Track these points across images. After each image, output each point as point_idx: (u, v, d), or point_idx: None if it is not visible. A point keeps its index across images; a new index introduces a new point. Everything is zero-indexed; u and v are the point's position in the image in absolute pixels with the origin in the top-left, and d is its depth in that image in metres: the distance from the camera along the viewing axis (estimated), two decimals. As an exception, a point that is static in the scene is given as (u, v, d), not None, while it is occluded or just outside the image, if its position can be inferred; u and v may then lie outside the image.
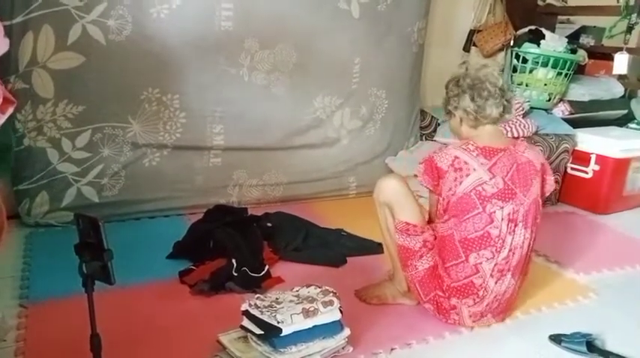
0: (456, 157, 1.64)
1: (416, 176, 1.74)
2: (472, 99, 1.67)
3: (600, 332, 1.70)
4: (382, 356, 1.57)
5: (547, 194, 1.77)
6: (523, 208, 1.64)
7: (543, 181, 1.74)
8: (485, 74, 1.70)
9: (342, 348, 1.55)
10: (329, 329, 1.50)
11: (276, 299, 1.52)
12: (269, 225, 2.38)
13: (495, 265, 1.64)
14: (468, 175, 1.61)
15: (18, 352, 1.51)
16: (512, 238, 1.63)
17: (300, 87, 2.74)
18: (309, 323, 1.44)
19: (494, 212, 1.61)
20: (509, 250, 1.64)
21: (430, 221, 1.78)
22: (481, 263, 1.63)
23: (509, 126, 2.78)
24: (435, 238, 1.71)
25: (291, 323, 1.41)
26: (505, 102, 1.69)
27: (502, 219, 1.61)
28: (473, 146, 1.65)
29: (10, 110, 1.40)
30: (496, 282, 1.65)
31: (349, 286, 1.88)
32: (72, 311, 1.37)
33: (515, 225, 1.63)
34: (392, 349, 1.60)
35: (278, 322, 1.40)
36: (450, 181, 1.63)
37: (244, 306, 1.49)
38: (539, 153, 1.77)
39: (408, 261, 1.72)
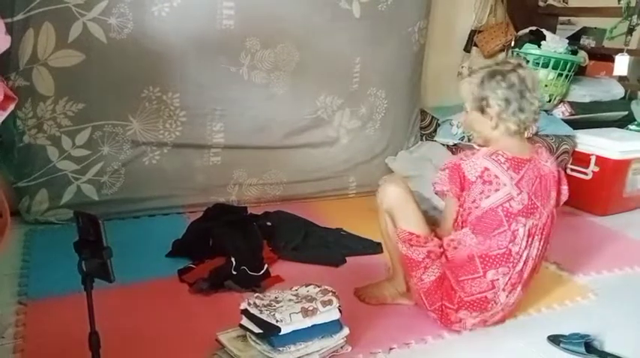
0: (486, 169, 1.54)
1: (435, 184, 1.63)
2: (521, 95, 1.55)
3: (599, 333, 1.70)
4: (381, 356, 1.57)
5: (561, 204, 1.73)
6: (541, 222, 1.62)
7: (559, 191, 1.70)
8: (534, 80, 1.59)
9: (341, 348, 1.55)
10: (328, 329, 1.50)
11: (276, 298, 1.52)
12: (268, 224, 2.38)
13: (509, 279, 1.61)
14: (497, 190, 1.54)
15: (16, 349, 1.51)
16: (529, 252, 1.61)
17: (302, 86, 2.74)
18: (308, 322, 1.44)
19: (518, 229, 1.57)
20: (524, 263, 1.62)
21: (438, 231, 1.69)
22: (498, 279, 1.60)
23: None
24: (441, 248, 1.63)
25: (290, 322, 1.41)
26: (537, 118, 1.64)
27: (523, 236, 1.58)
28: (503, 157, 1.56)
29: (11, 107, 1.40)
30: (507, 296, 1.64)
31: (348, 285, 1.88)
32: (71, 309, 1.37)
33: (533, 239, 1.61)
34: (390, 349, 1.60)
35: (277, 321, 1.40)
36: (475, 193, 1.55)
37: (243, 305, 1.49)
38: (554, 161, 1.72)
39: (412, 272, 1.67)
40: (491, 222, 1.55)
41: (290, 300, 1.50)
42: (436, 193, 1.67)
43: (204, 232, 2.17)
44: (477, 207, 1.55)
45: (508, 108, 1.55)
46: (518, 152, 1.59)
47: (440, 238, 1.66)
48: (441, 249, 1.64)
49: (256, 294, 1.56)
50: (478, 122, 1.63)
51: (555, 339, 1.67)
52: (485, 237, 1.56)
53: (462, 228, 1.60)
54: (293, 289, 1.58)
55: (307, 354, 1.46)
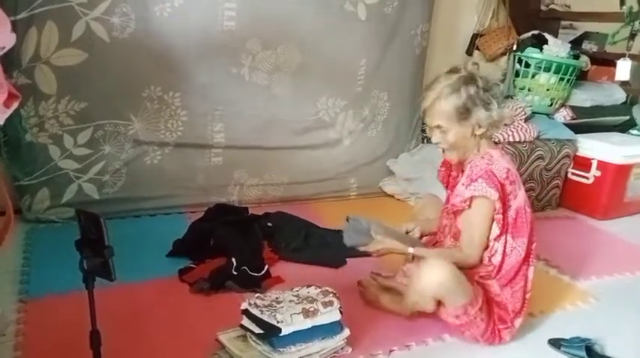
0: (509, 169, 1.54)
1: (471, 199, 1.50)
2: (497, 104, 1.53)
3: (599, 337, 1.70)
4: (381, 357, 1.57)
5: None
6: None
7: None
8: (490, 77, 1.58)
9: (342, 349, 1.55)
10: (328, 330, 1.50)
11: (276, 298, 1.52)
12: (269, 224, 2.38)
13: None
14: (520, 188, 1.57)
15: (17, 347, 1.51)
16: None
17: (303, 88, 2.74)
18: (308, 323, 1.44)
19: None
20: None
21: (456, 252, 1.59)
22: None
23: (510, 131, 2.78)
24: (485, 290, 1.58)
25: (290, 323, 1.40)
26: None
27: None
28: (507, 156, 1.59)
29: (15, 105, 1.40)
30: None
31: (349, 287, 1.88)
32: (72, 307, 1.37)
33: None
34: (391, 350, 1.60)
35: (278, 322, 1.39)
36: (505, 195, 1.52)
37: (244, 305, 1.49)
38: None
39: (464, 330, 1.61)
40: (523, 221, 1.56)
41: (291, 301, 1.50)
42: (457, 211, 1.56)
43: (205, 232, 2.17)
44: (509, 208, 1.53)
45: (491, 110, 1.52)
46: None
47: (461, 267, 1.54)
48: (483, 282, 1.58)
49: (257, 295, 1.56)
50: (466, 135, 1.54)
51: (556, 343, 1.67)
52: (524, 236, 1.57)
53: (500, 236, 1.54)
54: (294, 290, 1.58)
55: (308, 355, 1.46)
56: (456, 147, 1.57)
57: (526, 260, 1.59)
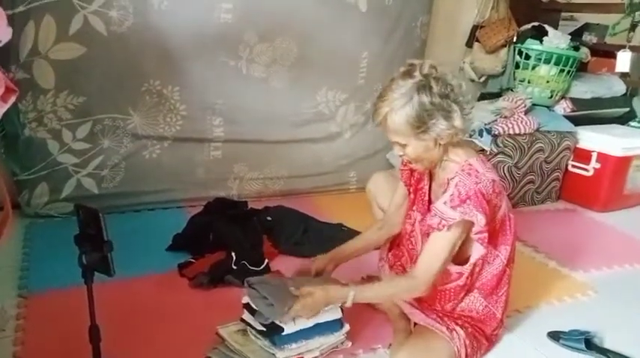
0: (494, 181, 1.39)
1: (461, 218, 1.34)
2: (461, 108, 1.34)
3: (598, 329, 1.70)
4: (381, 352, 1.57)
5: None
6: None
7: None
8: (448, 76, 1.36)
9: (341, 343, 1.55)
10: (329, 327, 1.49)
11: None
12: (269, 218, 2.37)
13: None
14: (503, 195, 1.47)
15: (17, 342, 1.52)
16: None
17: (301, 81, 2.73)
18: (310, 322, 1.44)
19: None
20: None
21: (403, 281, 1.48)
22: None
23: (510, 123, 2.77)
24: (466, 322, 1.51)
25: (293, 323, 1.41)
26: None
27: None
28: (488, 163, 1.46)
29: (12, 99, 1.40)
30: None
31: (348, 281, 1.87)
32: (71, 302, 1.37)
33: None
34: (390, 344, 1.59)
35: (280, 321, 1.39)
36: (490, 210, 1.40)
37: (245, 299, 1.49)
38: None
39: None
40: (506, 228, 1.51)
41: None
42: (439, 228, 1.37)
43: (205, 226, 2.17)
44: (493, 222, 1.45)
45: (464, 114, 1.34)
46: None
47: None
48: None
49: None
50: (428, 148, 1.37)
51: (555, 335, 1.67)
52: (506, 243, 1.51)
53: (486, 248, 1.44)
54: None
55: (308, 350, 1.46)
56: (420, 160, 1.42)
57: (508, 264, 1.54)
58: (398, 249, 1.69)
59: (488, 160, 2.66)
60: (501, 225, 1.49)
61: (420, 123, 1.32)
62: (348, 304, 1.41)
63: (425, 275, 1.39)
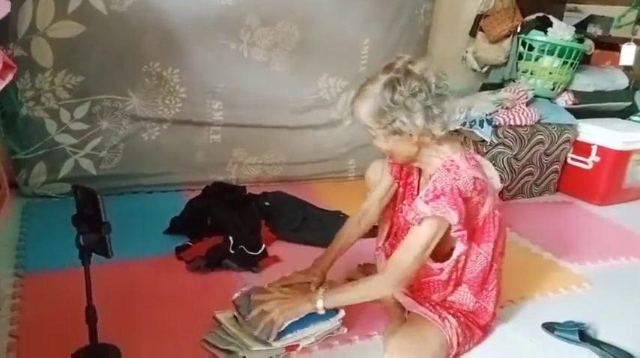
0: (476, 178, 1.37)
1: (432, 213, 1.33)
2: (431, 96, 1.33)
3: (593, 321, 1.71)
4: (376, 338, 1.58)
5: None
6: None
7: None
8: (429, 69, 1.35)
9: (337, 330, 1.55)
10: (324, 314, 1.49)
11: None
12: (267, 204, 2.37)
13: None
14: (488, 194, 1.43)
15: (13, 321, 1.52)
16: None
17: (302, 66, 2.70)
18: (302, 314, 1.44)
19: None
20: None
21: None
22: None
23: (511, 114, 2.76)
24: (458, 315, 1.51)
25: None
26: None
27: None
28: (473, 159, 1.43)
29: (10, 76, 1.38)
30: None
31: (345, 269, 1.88)
32: (68, 283, 1.37)
33: None
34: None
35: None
36: (471, 207, 1.39)
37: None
38: None
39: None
40: (490, 227, 1.47)
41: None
42: (416, 221, 1.36)
43: (203, 210, 2.17)
44: (475, 219, 1.43)
45: (427, 115, 1.32)
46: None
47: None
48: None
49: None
50: (397, 143, 1.38)
51: (550, 327, 1.68)
52: (489, 241, 1.48)
53: (466, 245, 1.44)
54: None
55: (304, 337, 1.46)
56: (392, 153, 1.44)
57: (495, 260, 1.52)
58: (395, 238, 1.70)
59: (487, 152, 2.67)
60: (484, 223, 1.46)
61: (380, 117, 1.33)
62: (320, 310, 1.43)
63: (394, 270, 1.40)
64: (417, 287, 1.55)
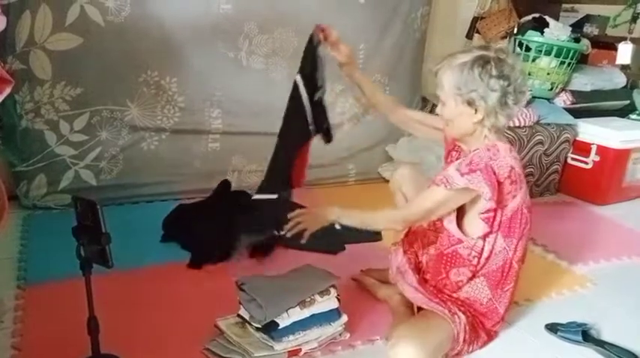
0: (512, 168, 1.42)
1: (467, 183, 1.38)
2: (514, 85, 1.40)
3: (596, 321, 1.71)
4: (379, 343, 1.57)
5: None
6: None
7: None
8: (522, 68, 1.46)
9: (340, 335, 1.55)
10: (326, 317, 1.50)
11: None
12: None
13: None
14: (521, 188, 1.46)
15: (15, 333, 1.52)
16: None
17: (300, 72, 2.71)
18: (306, 312, 1.45)
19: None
20: None
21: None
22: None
23: (510, 115, 2.76)
24: (469, 307, 1.53)
25: (287, 316, 1.41)
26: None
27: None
28: (515, 153, 1.48)
29: (8, 90, 1.38)
30: None
31: (347, 273, 1.88)
32: (69, 294, 1.37)
33: None
34: (387, 337, 1.60)
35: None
36: (503, 194, 1.42)
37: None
38: None
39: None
40: (517, 222, 1.48)
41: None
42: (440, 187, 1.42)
43: (192, 212, 2.20)
44: (504, 210, 1.45)
45: (501, 101, 1.40)
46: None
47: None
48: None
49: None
50: (462, 115, 1.44)
51: (553, 327, 1.67)
52: (514, 237, 1.49)
53: (489, 234, 1.47)
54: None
55: (306, 342, 1.46)
56: (450, 123, 1.49)
57: (515, 259, 1.52)
58: (414, 235, 1.70)
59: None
60: (512, 217, 1.47)
61: (461, 84, 1.40)
62: (335, 218, 1.54)
63: (407, 210, 1.56)
64: (437, 259, 1.55)
